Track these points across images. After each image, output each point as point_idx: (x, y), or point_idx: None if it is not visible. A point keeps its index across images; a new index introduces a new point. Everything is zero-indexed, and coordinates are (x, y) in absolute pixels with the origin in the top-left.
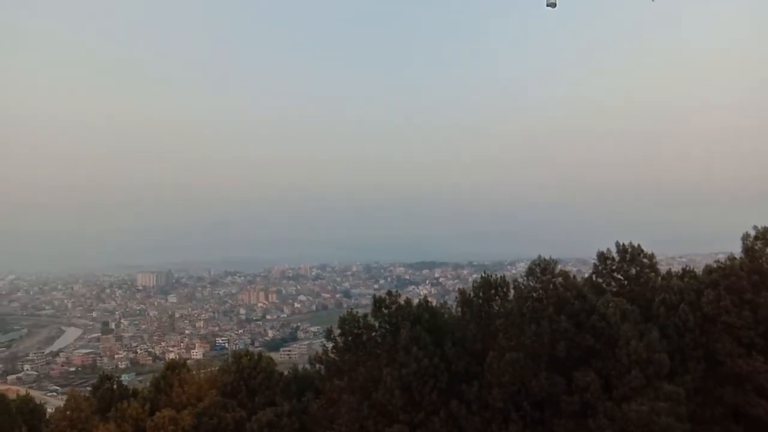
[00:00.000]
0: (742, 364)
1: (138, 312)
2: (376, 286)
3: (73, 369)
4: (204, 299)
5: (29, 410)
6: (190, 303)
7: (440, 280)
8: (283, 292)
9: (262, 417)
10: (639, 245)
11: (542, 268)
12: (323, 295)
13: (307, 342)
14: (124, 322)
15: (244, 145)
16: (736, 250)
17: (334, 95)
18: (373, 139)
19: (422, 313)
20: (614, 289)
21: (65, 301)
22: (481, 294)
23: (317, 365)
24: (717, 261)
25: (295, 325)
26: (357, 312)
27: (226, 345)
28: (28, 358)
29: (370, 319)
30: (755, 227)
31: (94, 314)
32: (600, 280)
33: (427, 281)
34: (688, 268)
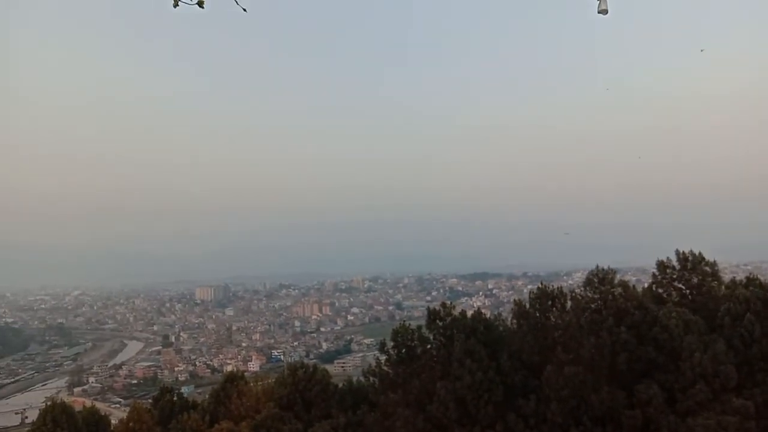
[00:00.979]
0: None
1: (197, 325)
2: (428, 298)
3: (135, 381)
4: (260, 312)
5: (94, 422)
6: (247, 316)
7: (494, 291)
8: (336, 304)
9: (319, 429)
10: (700, 253)
11: (600, 278)
12: (376, 307)
13: (360, 354)
14: (184, 335)
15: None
16: None
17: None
18: (432, 147)
19: (477, 325)
20: (675, 299)
21: (127, 315)
22: (537, 305)
23: (371, 378)
24: None
25: (348, 338)
26: (409, 324)
27: (282, 357)
28: (92, 370)
29: (425, 331)
30: None
31: (155, 328)
32: (660, 290)
33: (481, 293)
34: (753, 276)
